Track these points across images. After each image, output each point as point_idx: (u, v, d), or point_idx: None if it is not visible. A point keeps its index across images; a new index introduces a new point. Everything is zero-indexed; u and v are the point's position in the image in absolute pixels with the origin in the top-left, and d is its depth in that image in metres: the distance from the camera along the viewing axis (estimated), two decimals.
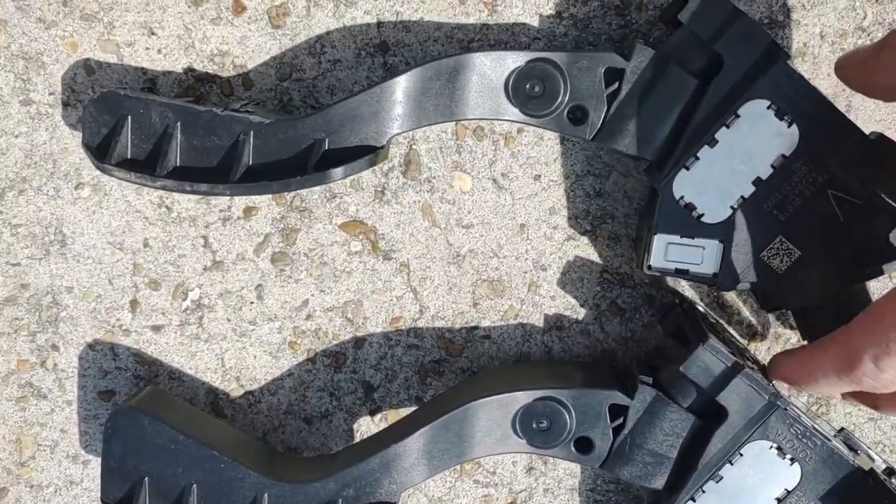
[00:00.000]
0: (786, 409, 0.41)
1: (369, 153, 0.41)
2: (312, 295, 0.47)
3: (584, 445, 0.43)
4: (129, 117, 0.41)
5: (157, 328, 0.46)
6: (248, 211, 0.46)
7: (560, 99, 0.41)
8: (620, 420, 0.42)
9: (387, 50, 0.45)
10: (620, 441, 0.43)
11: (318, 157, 0.41)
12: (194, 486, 0.41)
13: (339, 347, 0.47)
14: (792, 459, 0.41)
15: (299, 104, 0.45)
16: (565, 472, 0.48)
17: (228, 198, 0.45)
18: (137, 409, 0.41)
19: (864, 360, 0.37)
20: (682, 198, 0.41)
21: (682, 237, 0.42)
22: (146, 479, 0.41)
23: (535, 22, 0.45)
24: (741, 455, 0.41)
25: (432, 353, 0.47)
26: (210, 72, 0.45)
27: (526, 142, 0.46)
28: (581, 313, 0.47)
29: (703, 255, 0.42)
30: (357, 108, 0.41)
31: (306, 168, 0.41)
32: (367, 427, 0.47)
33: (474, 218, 0.47)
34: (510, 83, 0.41)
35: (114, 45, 0.45)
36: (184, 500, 0.41)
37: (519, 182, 0.46)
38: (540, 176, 0.46)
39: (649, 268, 0.42)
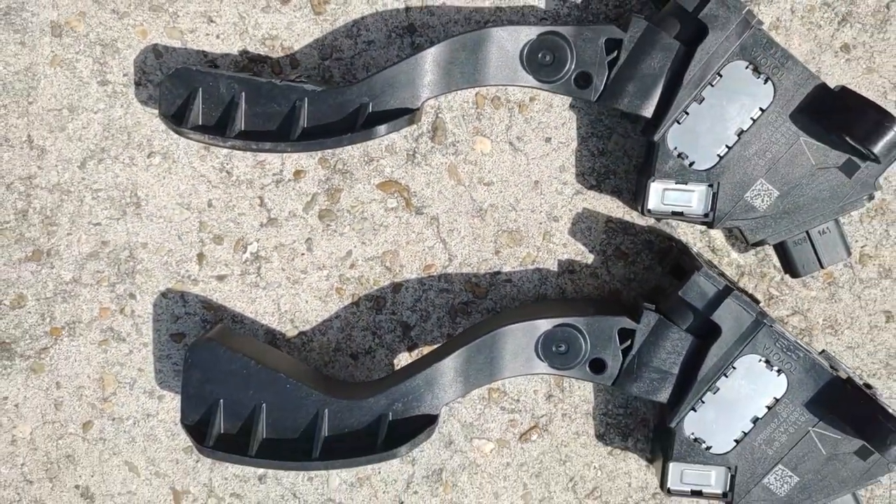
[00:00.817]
0: (772, 326, 0.47)
1: (407, 114, 0.48)
2: (355, 246, 0.53)
3: (597, 366, 0.49)
4: (201, 89, 0.47)
5: (220, 278, 0.53)
6: (298, 174, 0.52)
7: (568, 66, 0.48)
8: (628, 342, 0.49)
9: (414, 31, 0.52)
10: (629, 361, 0.49)
11: (364, 118, 0.47)
12: (263, 405, 0.47)
13: (380, 292, 0.53)
14: (779, 371, 0.48)
15: (339, 80, 0.52)
16: (581, 399, 0.54)
17: (280, 162, 0.52)
18: (213, 341, 0.47)
19: None
20: (675, 148, 0.48)
21: (676, 183, 0.49)
22: (221, 401, 0.47)
23: (541, 4, 0.52)
24: (734, 368, 0.48)
25: (461, 295, 0.54)
26: (262, 53, 0.52)
27: (537, 109, 0.53)
28: (590, 258, 0.54)
29: (694, 198, 0.49)
30: (395, 76, 0.47)
31: (354, 127, 0.47)
32: (405, 361, 0.53)
33: (494, 176, 0.53)
34: (524, 54, 0.48)
35: (178, 32, 0.51)
36: (254, 418, 0.47)
37: (532, 144, 0.53)
38: (550, 139, 0.53)
39: (648, 211, 0.49)
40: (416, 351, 0.54)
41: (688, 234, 0.53)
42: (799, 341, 0.48)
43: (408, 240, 0.53)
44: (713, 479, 0.49)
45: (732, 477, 0.48)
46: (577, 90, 0.48)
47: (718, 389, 0.48)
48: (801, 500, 0.48)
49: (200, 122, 0.47)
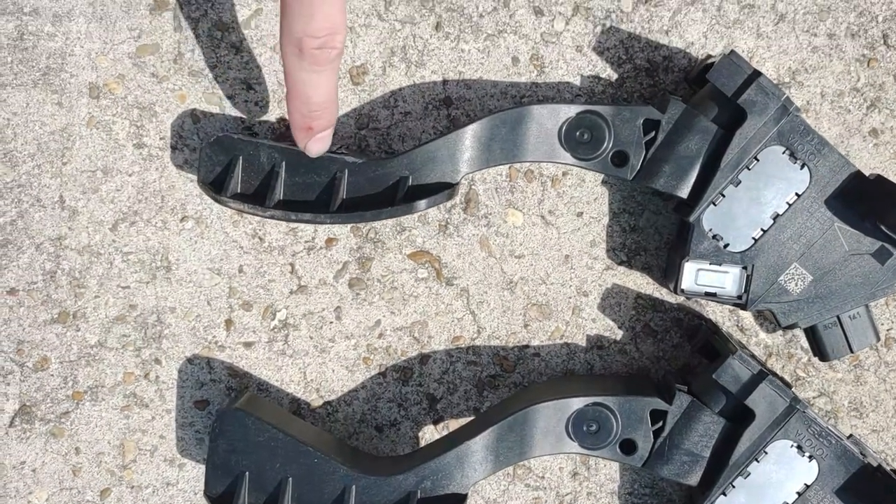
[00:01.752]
0: (804, 412, 0.47)
1: (447, 189, 0.48)
2: (384, 316, 0.53)
3: (628, 447, 0.49)
4: (241, 157, 0.47)
5: (248, 344, 0.52)
6: (330, 242, 0.52)
7: (605, 145, 0.48)
8: (660, 424, 0.48)
9: (450, 104, 0.52)
10: (660, 443, 0.48)
11: (404, 191, 0.47)
12: (290, 479, 0.46)
13: (407, 363, 0.53)
14: (810, 457, 0.47)
15: (375, 150, 0.52)
16: (606, 478, 0.53)
17: (313, 230, 0.52)
18: (242, 411, 0.46)
19: None
20: (710, 230, 0.48)
21: (710, 264, 0.49)
22: (247, 473, 0.46)
23: (577, 81, 0.52)
24: (766, 453, 0.47)
25: (489, 368, 0.53)
26: None
27: (570, 183, 0.53)
28: (619, 334, 0.54)
29: (728, 280, 0.49)
30: (436, 151, 0.47)
31: (394, 200, 0.47)
32: (430, 434, 0.53)
33: (525, 249, 0.53)
34: (563, 131, 0.49)
35: (217, 98, 0.52)
36: (280, 492, 0.46)
37: (564, 218, 0.53)
38: (582, 213, 0.53)
39: (682, 291, 0.49)
40: (441, 424, 0.53)
41: (717, 314, 0.53)
42: (830, 427, 0.48)
43: (437, 311, 0.53)
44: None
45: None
46: (613, 168, 0.49)
47: (749, 474, 0.47)
48: None
49: (240, 191, 0.47)
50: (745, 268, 0.48)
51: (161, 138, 0.51)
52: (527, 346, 0.53)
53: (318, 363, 0.52)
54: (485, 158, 0.48)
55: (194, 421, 0.52)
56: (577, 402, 0.48)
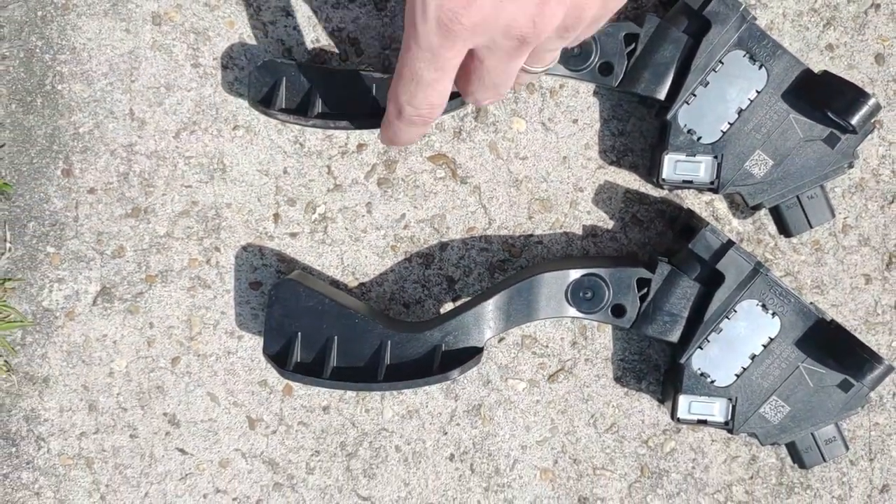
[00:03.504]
0: (767, 274, 0.55)
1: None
2: (408, 210, 0.61)
3: (618, 311, 0.57)
4: (284, 77, 0.55)
5: (293, 235, 0.61)
6: (360, 146, 0.60)
7: (592, 57, 0.56)
8: (645, 290, 0.56)
9: None
10: (645, 306, 0.57)
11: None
12: (335, 338, 0.55)
13: (429, 250, 0.61)
14: (773, 314, 0.56)
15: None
16: (601, 346, 0.62)
17: (346, 137, 0.60)
18: (294, 280, 0.55)
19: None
20: (685, 125, 0.56)
21: (686, 155, 0.57)
22: (299, 334, 0.55)
23: None
24: (735, 311, 0.55)
25: (498, 254, 0.62)
26: (331, 43, 0.60)
27: (566, 94, 0.61)
28: (610, 224, 0.62)
29: (702, 168, 0.56)
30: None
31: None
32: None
33: (528, 152, 0.61)
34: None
35: (261, 23, 0.60)
36: (327, 349, 0.55)
37: (561, 125, 0.61)
38: (577, 120, 0.61)
39: (663, 181, 0.57)
40: (459, 301, 0.62)
41: (694, 205, 0.62)
42: (791, 288, 0.56)
43: (453, 205, 0.61)
44: (716, 410, 0.57)
45: (733, 407, 0.56)
46: (601, 77, 0.57)
47: (722, 330, 0.56)
48: (792, 427, 0.56)
49: (284, 106, 0.56)
50: (715, 157, 0.56)
51: (214, 59, 0.60)
52: (531, 235, 0.62)
53: (353, 250, 0.61)
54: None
55: (250, 299, 0.61)
56: (574, 273, 0.56)
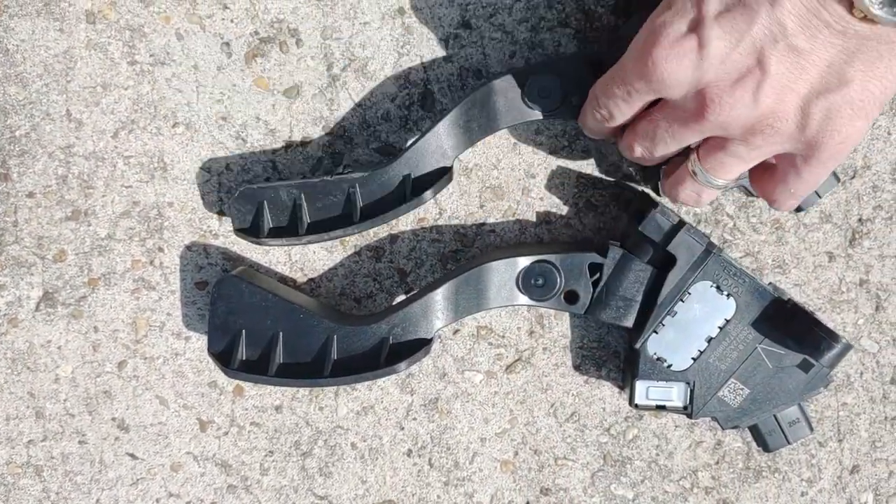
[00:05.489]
0: (720, 255, 0.54)
1: (444, 173, 0.54)
2: None
3: (571, 297, 0.55)
4: (265, 202, 0.54)
5: None
6: (304, 140, 0.59)
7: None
8: (597, 275, 0.55)
9: (404, 13, 0.59)
10: (598, 292, 0.55)
11: (411, 187, 0.54)
12: (280, 333, 0.54)
13: (379, 243, 0.60)
14: (728, 294, 0.54)
15: (339, 58, 0.59)
16: (559, 334, 0.61)
17: (289, 130, 0.59)
18: (237, 277, 0.54)
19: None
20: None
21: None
22: (243, 331, 0.54)
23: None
24: (689, 294, 0.54)
25: (450, 244, 0.60)
26: (270, 35, 0.59)
27: None
28: (564, 210, 0.61)
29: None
30: (426, 146, 0.54)
31: (405, 198, 0.54)
32: None
33: None
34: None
35: (197, 18, 0.58)
36: (272, 346, 0.54)
37: None
38: None
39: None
40: (411, 294, 0.60)
41: (650, 192, 0.60)
42: (744, 268, 0.55)
43: None
44: (674, 395, 0.56)
45: (691, 391, 0.55)
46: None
47: (676, 313, 0.54)
48: (752, 410, 0.55)
49: (272, 226, 0.55)
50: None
51: (151, 55, 0.58)
52: (483, 224, 0.60)
53: (301, 246, 0.60)
54: (467, 138, 0.55)
55: (196, 299, 0.60)
56: (524, 261, 0.55)
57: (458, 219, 0.60)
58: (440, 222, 0.60)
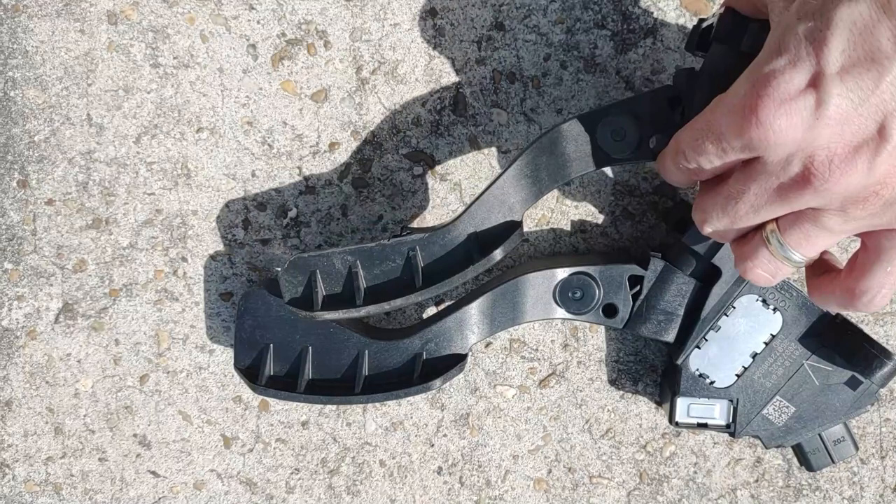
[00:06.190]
0: None
1: (514, 229, 0.50)
2: (385, 211, 0.58)
3: (610, 311, 0.54)
4: (318, 271, 0.51)
5: (264, 241, 0.58)
6: (332, 146, 0.57)
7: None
8: (637, 288, 0.54)
9: (435, 14, 0.57)
10: (638, 305, 0.53)
11: (478, 246, 0.50)
12: (310, 348, 0.52)
13: (401, 223, 0.58)
14: (774, 309, 0.52)
15: (368, 60, 0.57)
16: (594, 347, 0.59)
17: (317, 136, 0.57)
18: (263, 289, 0.52)
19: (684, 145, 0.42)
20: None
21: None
22: (271, 345, 0.52)
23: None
24: (734, 307, 0.52)
25: None
26: (297, 37, 0.57)
27: (549, 83, 0.58)
28: (600, 218, 0.59)
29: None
30: (491, 197, 0.50)
31: (472, 259, 0.50)
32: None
33: (510, 145, 0.58)
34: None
35: (223, 19, 0.57)
36: (301, 360, 0.52)
37: (544, 115, 0.58)
38: (561, 110, 0.58)
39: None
40: (442, 306, 0.58)
41: (689, 196, 0.58)
42: (792, 282, 0.53)
43: (433, 204, 0.58)
44: (717, 412, 0.54)
45: (735, 409, 0.53)
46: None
47: (720, 328, 0.53)
48: (797, 428, 0.53)
49: (326, 293, 0.51)
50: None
51: (175, 58, 0.56)
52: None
53: None
54: (536, 190, 0.51)
55: (220, 311, 0.58)
56: (562, 273, 0.53)
57: None
58: None
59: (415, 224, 0.58)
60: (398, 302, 0.50)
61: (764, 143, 0.36)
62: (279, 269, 0.50)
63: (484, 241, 0.50)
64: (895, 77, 0.33)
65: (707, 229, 0.42)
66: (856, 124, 0.35)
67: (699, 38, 0.48)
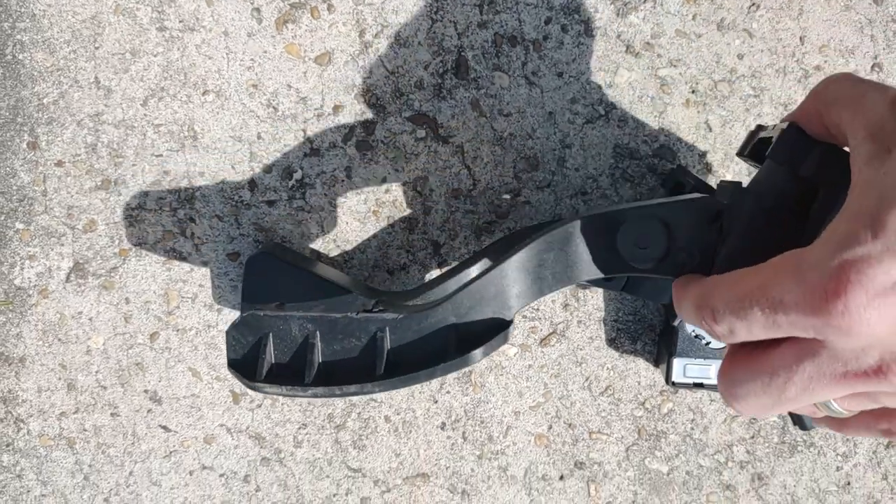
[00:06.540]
0: None
1: (503, 329, 0.44)
2: (389, 173, 0.59)
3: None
4: (271, 334, 0.46)
5: (270, 202, 0.59)
6: (337, 108, 0.58)
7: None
8: None
9: None
10: None
11: (456, 340, 0.44)
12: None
13: (412, 214, 0.59)
14: None
15: (371, 24, 0.58)
16: (594, 307, 0.60)
17: (321, 98, 0.58)
18: (268, 252, 0.53)
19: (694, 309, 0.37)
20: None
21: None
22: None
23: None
24: None
25: (485, 216, 0.60)
26: (301, 0, 0.58)
27: (550, 46, 0.58)
28: (600, 181, 0.60)
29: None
30: (483, 290, 0.44)
31: (447, 353, 0.43)
32: (436, 275, 0.59)
33: (512, 108, 0.59)
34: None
35: None
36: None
37: (546, 78, 0.59)
38: (562, 73, 0.59)
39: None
40: (445, 266, 0.60)
41: (687, 158, 0.59)
42: None
43: (436, 167, 0.59)
44: (713, 372, 0.55)
45: None
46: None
47: None
48: None
49: (275, 362, 0.47)
50: None
51: (180, 21, 0.57)
52: (518, 195, 0.59)
53: (333, 217, 0.59)
54: (537, 289, 0.45)
55: (228, 271, 0.59)
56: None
57: (493, 189, 0.59)
58: (474, 193, 0.59)
59: (418, 188, 0.59)
60: (351, 389, 0.44)
61: (843, 332, 0.31)
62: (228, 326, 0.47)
63: (464, 336, 0.44)
64: None
65: (739, 407, 0.36)
66: None
67: (753, 146, 0.43)
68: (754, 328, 0.33)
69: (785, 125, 0.39)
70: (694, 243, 0.42)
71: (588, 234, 0.44)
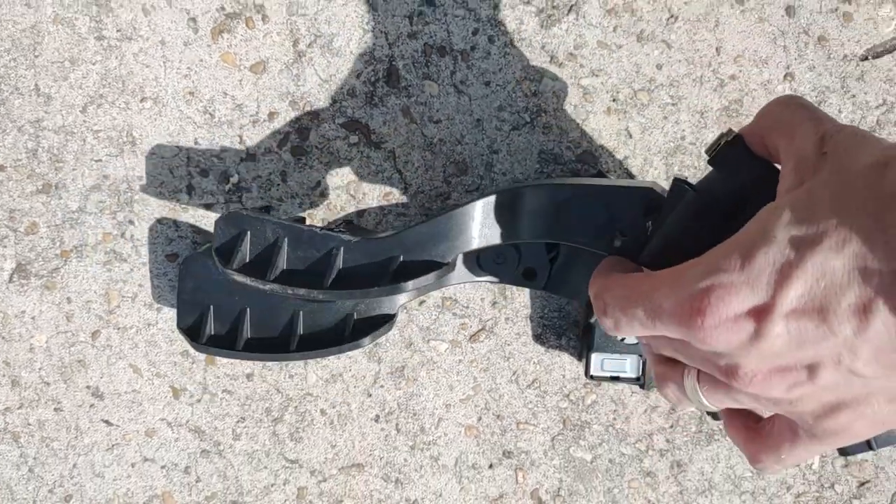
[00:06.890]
0: None
1: (437, 268, 0.52)
2: (323, 177, 0.61)
3: (529, 274, 0.57)
4: (250, 231, 0.53)
5: (207, 206, 0.61)
6: (271, 115, 0.60)
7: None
8: (554, 253, 0.57)
9: None
10: (555, 268, 0.58)
11: (394, 271, 0.52)
12: (248, 309, 0.55)
13: (346, 217, 0.62)
14: None
15: (305, 34, 0.60)
16: (521, 305, 0.63)
17: (256, 105, 0.60)
18: (203, 255, 0.55)
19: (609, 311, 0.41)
20: None
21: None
22: (211, 306, 0.56)
23: None
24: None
25: (415, 219, 0.62)
26: (236, 10, 0.59)
27: (478, 56, 0.61)
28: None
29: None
30: (428, 232, 0.52)
31: (384, 279, 0.51)
32: None
33: (442, 115, 0.61)
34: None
35: None
36: (240, 321, 0.55)
37: (474, 87, 0.61)
38: (489, 82, 0.61)
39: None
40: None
41: (610, 166, 0.62)
42: None
43: (369, 171, 0.61)
44: (628, 367, 0.58)
45: (644, 364, 0.58)
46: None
47: None
48: None
49: (248, 260, 0.53)
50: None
51: (118, 30, 0.59)
52: (448, 199, 0.62)
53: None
54: (480, 241, 0.52)
55: (167, 271, 0.61)
56: (482, 243, 0.57)
57: (423, 193, 0.62)
58: (405, 197, 0.62)
59: (352, 191, 0.61)
60: (301, 291, 0.51)
61: (700, 341, 0.36)
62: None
63: (402, 269, 0.52)
64: (842, 342, 0.33)
65: (609, 313, 0.41)
66: (786, 362, 0.35)
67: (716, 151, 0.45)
68: (635, 325, 0.39)
69: (730, 137, 0.42)
70: (629, 228, 0.48)
71: (536, 200, 0.50)
